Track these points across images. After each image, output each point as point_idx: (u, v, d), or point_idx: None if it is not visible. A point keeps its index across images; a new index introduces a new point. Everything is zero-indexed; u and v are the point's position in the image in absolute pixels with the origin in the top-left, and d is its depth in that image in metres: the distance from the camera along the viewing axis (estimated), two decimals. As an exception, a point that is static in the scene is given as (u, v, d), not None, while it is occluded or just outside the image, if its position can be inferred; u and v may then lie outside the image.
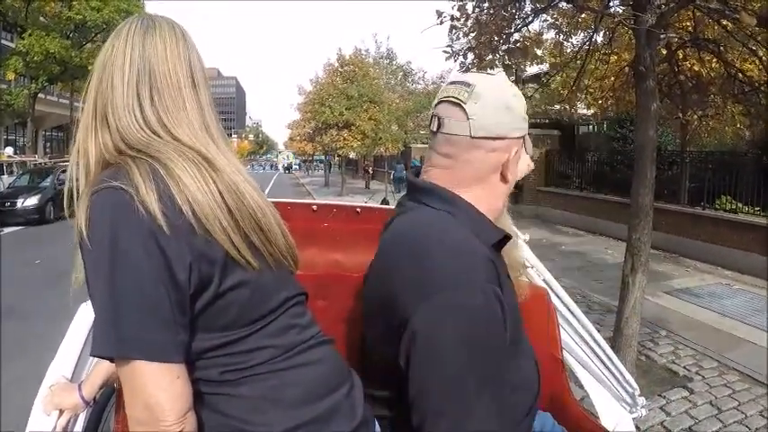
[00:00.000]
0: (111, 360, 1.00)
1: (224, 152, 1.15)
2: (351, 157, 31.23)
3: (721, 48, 6.12)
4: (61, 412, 1.49)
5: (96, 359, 1.69)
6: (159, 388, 0.96)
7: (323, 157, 38.89)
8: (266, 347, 1.11)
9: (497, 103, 1.29)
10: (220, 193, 1.06)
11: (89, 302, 1.88)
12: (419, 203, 1.35)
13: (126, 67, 1.10)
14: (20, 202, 15.81)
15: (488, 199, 1.35)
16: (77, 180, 1.12)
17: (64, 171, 17.44)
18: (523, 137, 1.36)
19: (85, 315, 1.84)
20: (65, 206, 1.11)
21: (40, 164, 23.15)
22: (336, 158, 35.69)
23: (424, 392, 1.13)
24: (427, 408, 1.12)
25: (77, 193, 1.10)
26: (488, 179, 1.33)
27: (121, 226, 0.96)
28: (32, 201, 15.95)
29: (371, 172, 32.97)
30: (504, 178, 1.34)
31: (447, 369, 1.11)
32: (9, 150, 25.83)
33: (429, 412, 1.11)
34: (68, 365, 1.65)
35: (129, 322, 0.95)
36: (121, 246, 0.95)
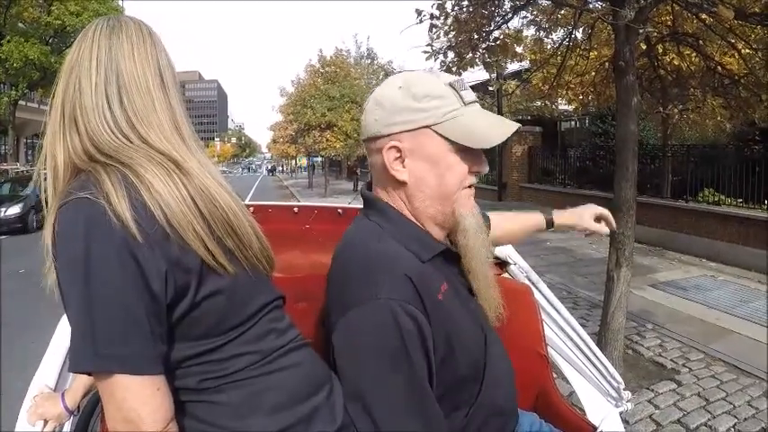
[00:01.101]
0: (90, 374, 0.98)
1: (195, 154, 1.13)
2: (333, 158, 31.18)
3: (700, 42, 6.18)
4: (46, 422, 1.48)
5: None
6: (140, 401, 0.95)
7: (311, 161, 38.88)
8: (245, 354, 1.10)
9: (369, 103, 1.29)
10: (192, 198, 1.05)
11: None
12: (363, 213, 1.36)
13: (93, 69, 1.08)
14: (2, 212, 15.48)
15: (409, 205, 1.31)
16: (46, 188, 1.10)
17: (46, 179, 17.19)
18: (414, 129, 1.24)
19: (68, 325, 1.83)
20: (45, 218, 1.10)
21: (21, 171, 22.87)
22: (320, 159, 35.64)
23: (348, 397, 1.19)
24: (353, 411, 1.17)
25: (46, 201, 1.09)
26: (390, 184, 1.31)
27: (94, 238, 0.94)
28: (14, 210, 15.63)
29: (359, 173, 32.88)
30: (395, 180, 1.28)
31: (360, 382, 1.16)
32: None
33: (354, 416, 1.16)
34: (52, 375, 1.64)
35: (106, 336, 0.94)
36: (95, 258, 0.94)
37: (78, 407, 1.55)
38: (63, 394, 1.53)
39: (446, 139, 1.23)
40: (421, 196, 1.28)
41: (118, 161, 1.03)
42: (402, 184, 1.28)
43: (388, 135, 1.25)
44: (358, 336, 1.15)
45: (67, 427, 1.56)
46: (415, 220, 1.30)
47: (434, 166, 1.25)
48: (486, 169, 1.33)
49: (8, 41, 24.10)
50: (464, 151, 1.25)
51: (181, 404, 1.04)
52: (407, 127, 1.23)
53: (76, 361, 0.96)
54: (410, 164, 1.26)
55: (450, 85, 1.26)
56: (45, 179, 1.11)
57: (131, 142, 1.07)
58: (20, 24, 25.89)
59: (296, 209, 2.21)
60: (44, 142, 1.12)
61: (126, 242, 0.95)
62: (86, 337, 0.94)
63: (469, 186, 1.31)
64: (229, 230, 1.09)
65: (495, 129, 1.26)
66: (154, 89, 1.12)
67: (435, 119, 1.22)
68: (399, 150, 1.25)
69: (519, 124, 1.31)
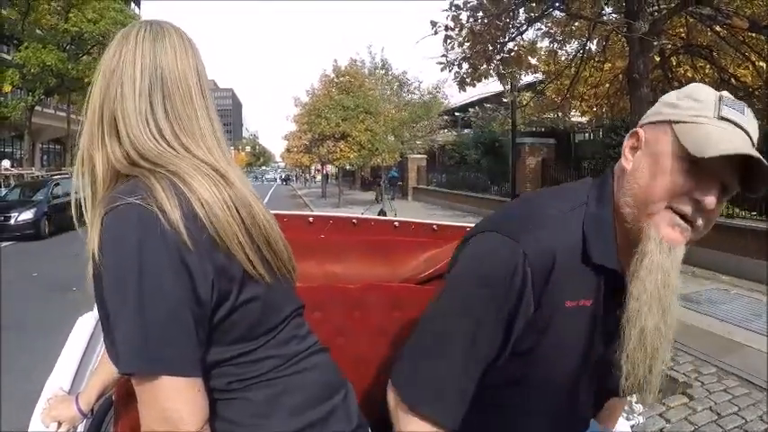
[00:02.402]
0: (129, 375, 1.00)
1: (232, 164, 1.15)
2: (347, 168, 31.20)
3: (714, 54, 6.16)
4: (59, 425, 1.49)
5: (92, 371, 1.69)
6: (182, 402, 0.97)
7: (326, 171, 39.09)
8: (271, 357, 1.12)
9: None
10: (236, 208, 1.06)
11: (86, 316, 1.89)
12: (590, 183, 1.32)
13: (137, 74, 1.09)
14: (14, 217, 15.30)
15: (617, 194, 1.21)
16: (84, 190, 1.11)
17: (57, 184, 17.08)
18: (658, 122, 1.16)
19: (83, 328, 1.84)
20: (74, 217, 1.11)
21: (36, 176, 23.05)
22: (334, 170, 35.65)
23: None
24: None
25: (85, 204, 1.10)
26: (619, 169, 1.23)
27: (148, 243, 0.95)
28: (27, 215, 15.45)
29: (383, 184, 32.23)
30: (621, 166, 1.22)
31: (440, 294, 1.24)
32: (6, 163, 25.76)
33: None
34: (66, 378, 1.65)
35: (155, 338, 0.95)
36: (148, 263, 0.95)
37: (92, 409, 1.56)
38: (77, 397, 1.54)
39: (678, 140, 1.10)
40: (627, 187, 1.17)
41: (164, 168, 1.04)
42: (623, 171, 1.19)
43: (643, 124, 1.20)
44: (465, 258, 1.20)
45: (81, 429, 1.57)
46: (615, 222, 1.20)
47: (654, 163, 1.13)
48: (710, 201, 1.09)
49: (26, 47, 24.39)
50: (692, 165, 1.08)
51: (210, 404, 1.05)
52: (655, 119, 1.17)
53: (126, 362, 0.98)
54: (639, 154, 1.17)
55: (719, 96, 1.13)
56: (82, 176, 1.12)
57: (175, 150, 1.07)
58: (38, 31, 26.20)
59: (311, 218, 2.22)
60: (81, 145, 1.13)
61: (178, 248, 0.96)
62: (136, 339, 0.96)
63: (680, 214, 1.11)
64: (265, 241, 1.11)
65: (726, 144, 1.05)
66: (196, 98, 1.13)
67: (680, 117, 1.12)
68: (638, 139, 1.18)
69: (759, 155, 1.06)
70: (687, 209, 1.10)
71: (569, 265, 1.14)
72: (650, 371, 1.17)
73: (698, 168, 1.08)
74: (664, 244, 1.11)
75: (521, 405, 1.26)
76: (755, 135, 1.11)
